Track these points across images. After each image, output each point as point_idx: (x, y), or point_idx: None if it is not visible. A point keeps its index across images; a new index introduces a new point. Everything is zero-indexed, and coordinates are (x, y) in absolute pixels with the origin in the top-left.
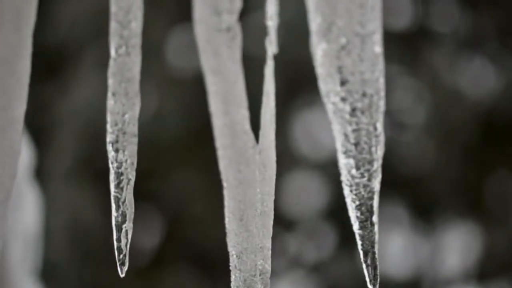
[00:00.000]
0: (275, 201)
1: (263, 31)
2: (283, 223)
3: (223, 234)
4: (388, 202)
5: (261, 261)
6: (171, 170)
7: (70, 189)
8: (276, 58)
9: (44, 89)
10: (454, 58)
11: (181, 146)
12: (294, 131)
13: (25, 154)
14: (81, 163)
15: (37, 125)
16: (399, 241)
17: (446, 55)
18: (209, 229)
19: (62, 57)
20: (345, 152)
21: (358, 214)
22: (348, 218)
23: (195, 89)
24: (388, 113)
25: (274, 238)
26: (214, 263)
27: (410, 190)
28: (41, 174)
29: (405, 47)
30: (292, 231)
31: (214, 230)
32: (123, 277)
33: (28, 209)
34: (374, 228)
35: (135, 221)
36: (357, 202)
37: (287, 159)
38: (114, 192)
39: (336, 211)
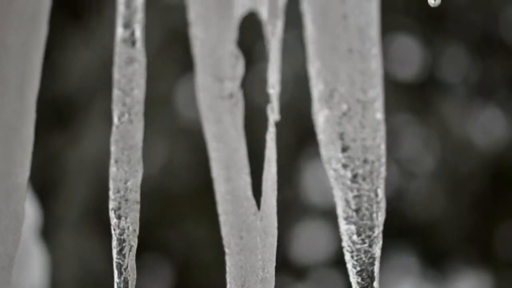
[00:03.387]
0: (285, 251)
1: (266, 82)
2: (293, 272)
3: None
4: (397, 251)
5: None
6: (180, 219)
7: (79, 240)
8: (285, 108)
9: (53, 139)
10: (464, 107)
11: (190, 196)
12: (304, 181)
13: (31, 213)
14: (89, 213)
15: (46, 175)
16: None
17: (455, 104)
18: (218, 278)
19: (72, 108)
20: (346, 218)
21: (359, 280)
22: None
23: (203, 139)
24: (397, 162)
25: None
26: None
27: (420, 238)
28: (49, 225)
29: (415, 96)
30: (302, 280)
31: (222, 279)
32: None
33: (34, 267)
34: None
35: (145, 270)
36: (358, 268)
37: (297, 208)
38: (116, 258)
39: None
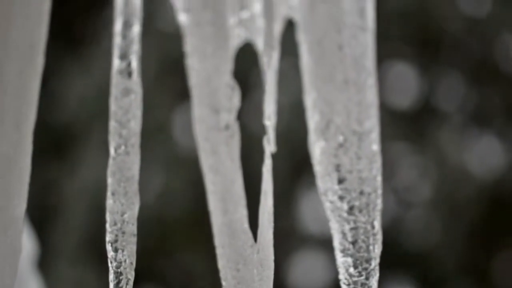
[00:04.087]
0: (282, 281)
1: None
2: None
3: None
4: (394, 280)
5: None
6: (177, 249)
7: (76, 272)
8: (281, 137)
9: (50, 168)
10: (460, 135)
11: (187, 225)
12: (300, 209)
13: (27, 243)
14: (86, 244)
15: (42, 204)
16: None
17: (452, 132)
18: None
19: (69, 136)
20: (343, 251)
21: None
22: None
23: (200, 167)
24: (394, 190)
25: None
26: None
27: (417, 267)
28: (45, 256)
29: (411, 124)
30: None
31: None
32: None
33: None
34: None
35: None
36: None
37: (293, 238)
38: None
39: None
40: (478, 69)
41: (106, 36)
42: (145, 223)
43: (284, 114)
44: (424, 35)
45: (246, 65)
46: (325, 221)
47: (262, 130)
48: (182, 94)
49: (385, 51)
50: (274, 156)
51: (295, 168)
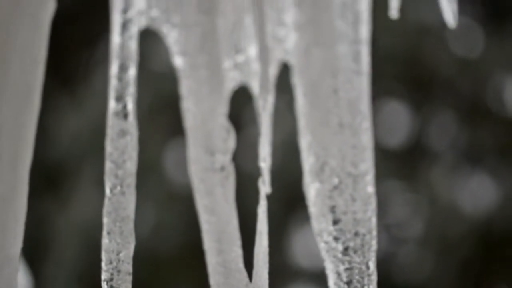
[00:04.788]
0: None
1: (255, 147)
2: None
3: None
4: None
5: None
6: (169, 284)
7: None
8: (273, 173)
9: (43, 203)
10: (452, 173)
11: (179, 261)
12: (293, 245)
13: (21, 280)
14: (79, 278)
15: (35, 240)
16: None
17: (443, 171)
18: None
19: (62, 172)
20: None
21: None
22: None
23: (193, 203)
24: (386, 227)
25: None
26: None
27: None
28: None
29: (403, 162)
30: None
31: None
32: None
33: None
34: None
35: None
36: None
37: (286, 273)
38: None
39: None
40: (470, 109)
41: (99, 73)
42: (137, 258)
43: (277, 150)
44: (416, 74)
45: (239, 102)
46: (317, 256)
47: (253, 166)
48: (174, 131)
49: (377, 89)
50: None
51: (287, 204)
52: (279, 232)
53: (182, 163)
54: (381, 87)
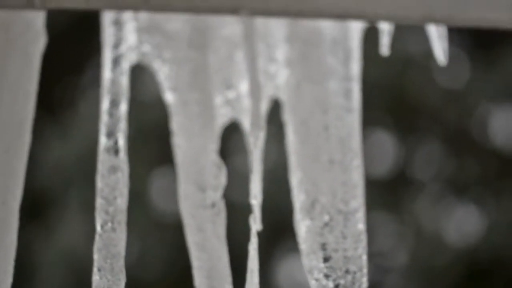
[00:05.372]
0: None
1: (243, 176)
2: None
3: None
4: None
5: None
6: None
7: None
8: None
9: (25, 232)
10: (437, 203)
11: None
12: (277, 276)
13: None
14: None
15: (19, 268)
16: None
17: (428, 201)
18: None
19: (46, 201)
20: None
21: None
22: None
23: (177, 232)
24: (371, 257)
25: None
26: None
27: None
28: None
29: (388, 192)
30: None
31: None
32: None
33: None
34: None
35: None
36: None
37: None
38: None
39: None
40: (455, 139)
41: (85, 100)
42: None
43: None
44: (402, 104)
45: (225, 132)
46: (302, 286)
47: (240, 196)
48: (160, 159)
49: (363, 119)
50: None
51: (272, 235)
52: (263, 262)
53: (167, 192)
54: (366, 117)
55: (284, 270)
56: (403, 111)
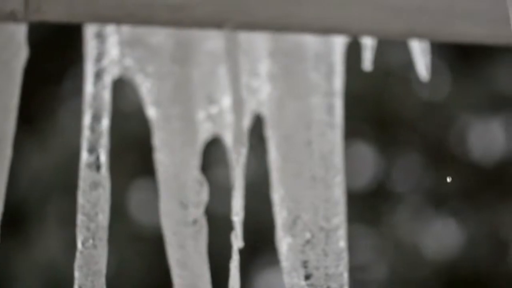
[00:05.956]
0: None
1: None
2: None
3: None
4: None
5: None
6: None
7: None
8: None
9: (3, 245)
10: (416, 215)
11: None
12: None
13: None
14: None
15: None
16: None
17: (407, 213)
18: None
19: (24, 213)
20: None
21: None
22: None
23: (156, 245)
24: (350, 270)
25: None
26: None
27: None
28: None
29: (366, 205)
30: None
31: None
32: None
33: None
34: None
35: None
36: None
37: None
38: None
39: None
40: (435, 151)
41: (63, 112)
42: None
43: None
44: (382, 116)
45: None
46: None
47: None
48: (139, 171)
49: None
50: (228, 235)
51: (251, 248)
52: (243, 276)
53: (147, 204)
54: (346, 129)
55: (265, 285)
56: (383, 123)
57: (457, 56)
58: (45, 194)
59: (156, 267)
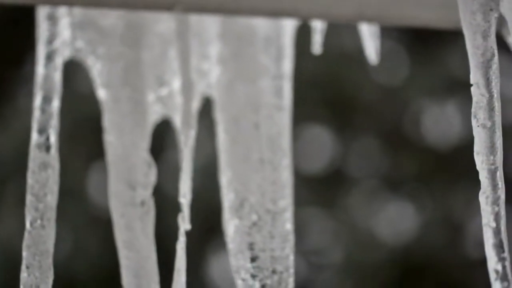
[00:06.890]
0: None
1: (176, 171)
2: None
3: None
4: None
5: None
6: None
7: None
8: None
9: None
10: (371, 199)
11: (96, 285)
12: (210, 272)
13: None
14: None
15: None
16: None
17: (363, 197)
18: None
19: None
20: None
21: None
22: None
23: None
24: (304, 254)
25: None
26: None
27: None
28: None
29: (322, 188)
30: None
31: None
32: None
33: None
34: None
35: None
36: None
37: None
38: None
39: None
40: (391, 135)
41: (24, 93)
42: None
43: (195, 175)
44: (337, 100)
45: (161, 126)
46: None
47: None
48: (95, 153)
49: (297, 114)
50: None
51: (204, 231)
52: (196, 258)
53: (104, 186)
54: (302, 112)
55: (218, 268)
56: (339, 107)
57: (413, 40)
58: (5, 176)
59: (113, 248)
